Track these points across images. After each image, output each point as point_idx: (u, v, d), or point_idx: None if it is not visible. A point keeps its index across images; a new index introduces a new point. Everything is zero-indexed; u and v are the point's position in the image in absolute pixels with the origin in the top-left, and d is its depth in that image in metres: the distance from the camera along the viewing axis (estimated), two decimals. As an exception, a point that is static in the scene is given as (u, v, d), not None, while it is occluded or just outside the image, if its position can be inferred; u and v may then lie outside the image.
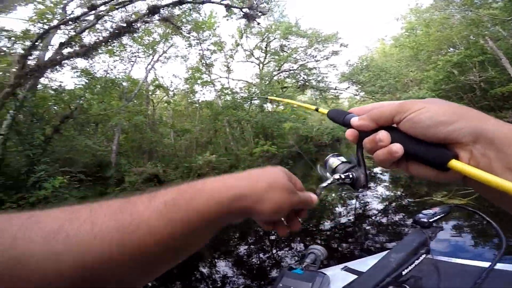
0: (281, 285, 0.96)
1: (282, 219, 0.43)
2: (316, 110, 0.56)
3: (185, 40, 12.60)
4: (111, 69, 10.98)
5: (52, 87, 9.15)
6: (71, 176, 8.68)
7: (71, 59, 5.52)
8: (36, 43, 5.09)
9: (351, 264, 1.16)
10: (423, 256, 0.95)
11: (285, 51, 18.79)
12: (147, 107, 12.46)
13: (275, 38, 18.78)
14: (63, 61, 5.57)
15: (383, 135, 0.36)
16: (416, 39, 19.01)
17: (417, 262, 0.92)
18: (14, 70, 5.12)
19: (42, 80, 9.09)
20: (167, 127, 12.32)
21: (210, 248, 5.01)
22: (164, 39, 11.95)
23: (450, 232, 3.68)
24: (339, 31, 21.29)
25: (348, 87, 20.21)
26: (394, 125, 0.36)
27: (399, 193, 6.70)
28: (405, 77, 19.89)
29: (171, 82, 16.36)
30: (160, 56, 12.74)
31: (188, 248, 0.36)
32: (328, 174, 0.52)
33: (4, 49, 6.09)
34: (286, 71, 19.44)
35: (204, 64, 14.50)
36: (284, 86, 19.46)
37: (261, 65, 19.57)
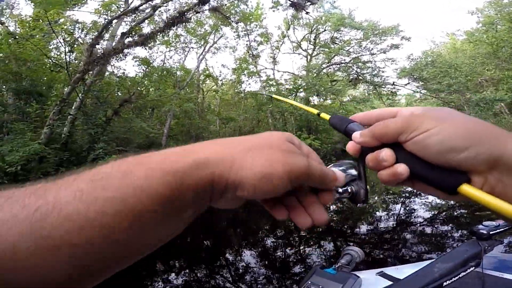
0: (309, 282, 0.95)
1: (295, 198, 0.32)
2: (318, 115, 0.51)
3: (233, 31, 12.81)
4: (167, 59, 11.73)
5: (117, 74, 10.17)
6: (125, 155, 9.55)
7: (131, 48, 5.99)
8: (102, 33, 5.62)
9: (388, 270, 1.12)
10: (472, 268, 0.87)
11: (336, 43, 17.89)
12: (197, 95, 13.05)
13: (325, 30, 17.96)
14: (124, 50, 6.05)
15: (386, 154, 0.31)
16: (496, 35, 16.60)
17: (463, 274, 0.84)
18: (84, 58, 5.73)
19: (109, 68, 10.19)
20: (214, 115, 12.76)
21: (238, 237, 5.20)
22: (214, 30, 12.30)
23: (507, 247, 3.27)
24: (400, 23, 19.28)
25: (408, 83, 18.43)
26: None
27: (452, 202, 6.03)
28: (479, 76, 17.54)
29: (220, 72, 16.92)
30: (210, 46, 13.18)
31: (137, 239, 0.25)
32: None
33: (80, 39, 6.86)
34: (337, 64, 18.50)
35: (251, 55, 14.61)
36: (334, 80, 18.61)
37: (309, 57, 18.98)
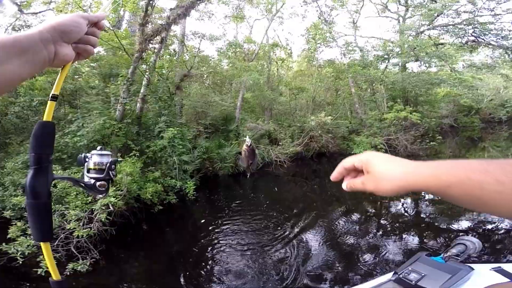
0: (410, 268, 0.87)
1: None
2: None
3: None
4: (237, 34, 11.02)
5: (194, 54, 10.30)
6: (202, 128, 9.85)
7: (177, 20, 5.56)
8: (148, 11, 5.37)
9: (508, 266, 0.92)
10: None
11: (435, 1, 12.88)
12: (268, 66, 12.02)
13: None
14: (170, 24, 5.71)
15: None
16: None
17: None
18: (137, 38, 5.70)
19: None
20: (283, 85, 11.54)
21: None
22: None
23: None
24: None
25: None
26: None
27: None
28: None
29: (287, 40, 14.99)
30: (274, 15, 11.49)
31: None
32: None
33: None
34: (443, 26, 13.53)
35: (323, 21, 12.13)
36: (440, 43, 13.74)
37: (400, 19, 14.65)
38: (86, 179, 0.65)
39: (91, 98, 6.26)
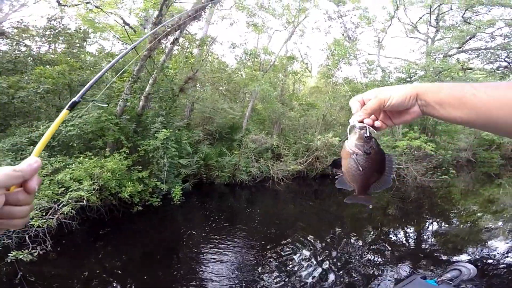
0: None
1: None
2: None
3: (323, 13, 10.56)
4: (257, 44, 10.95)
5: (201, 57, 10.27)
6: (204, 134, 9.74)
7: (189, 23, 5.53)
8: (162, 11, 5.36)
9: None
10: None
11: (468, 23, 12.18)
12: (283, 78, 11.77)
13: (451, 9, 12.73)
14: (180, 25, 5.67)
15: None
16: None
17: None
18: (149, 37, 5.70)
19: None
20: (293, 100, 11.20)
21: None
22: (300, 11, 10.40)
23: None
24: None
25: None
26: None
27: None
28: None
29: (305, 54, 14.71)
30: (294, 28, 11.27)
31: None
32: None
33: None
34: (474, 50, 12.77)
35: (346, 38, 11.77)
36: (468, 68, 12.91)
37: (429, 41, 14.02)
38: None
39: (97, 91, 6.32)
